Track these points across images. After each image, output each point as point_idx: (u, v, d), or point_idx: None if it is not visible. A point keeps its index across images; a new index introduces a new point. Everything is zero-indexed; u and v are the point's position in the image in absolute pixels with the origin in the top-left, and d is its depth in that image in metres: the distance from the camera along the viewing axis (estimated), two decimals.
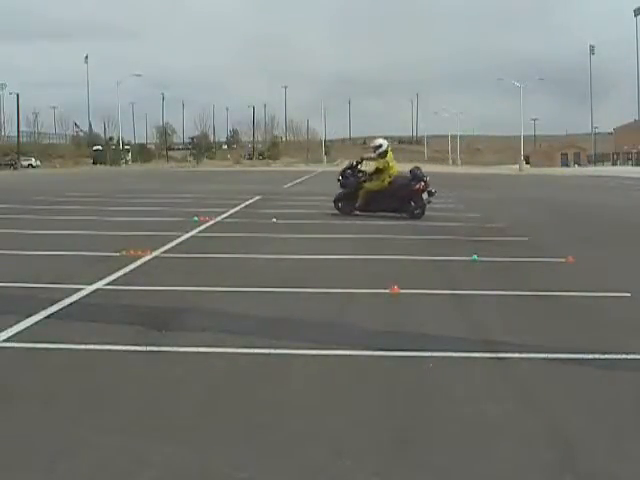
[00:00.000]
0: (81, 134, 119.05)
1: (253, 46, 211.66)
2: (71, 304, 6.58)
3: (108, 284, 7.62)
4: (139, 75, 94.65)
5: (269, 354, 5.08)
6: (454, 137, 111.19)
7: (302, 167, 77.77)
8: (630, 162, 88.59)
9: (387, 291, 7.25)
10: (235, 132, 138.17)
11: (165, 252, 10.12)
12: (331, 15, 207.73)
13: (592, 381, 4.62)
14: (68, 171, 64.80)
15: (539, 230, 13.67)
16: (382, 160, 16.24)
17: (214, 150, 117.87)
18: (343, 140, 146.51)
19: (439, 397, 4.29)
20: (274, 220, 14.82)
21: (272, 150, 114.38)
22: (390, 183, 16.09)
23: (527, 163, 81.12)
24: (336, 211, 16.46)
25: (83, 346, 5.21)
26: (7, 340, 5.35)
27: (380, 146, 16.49)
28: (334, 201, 16.75)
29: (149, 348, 5.19)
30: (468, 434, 3.71)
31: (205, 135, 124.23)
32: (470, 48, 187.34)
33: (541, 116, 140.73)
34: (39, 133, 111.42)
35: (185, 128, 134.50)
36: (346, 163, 17.79)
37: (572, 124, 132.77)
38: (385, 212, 16.06)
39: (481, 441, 3.63)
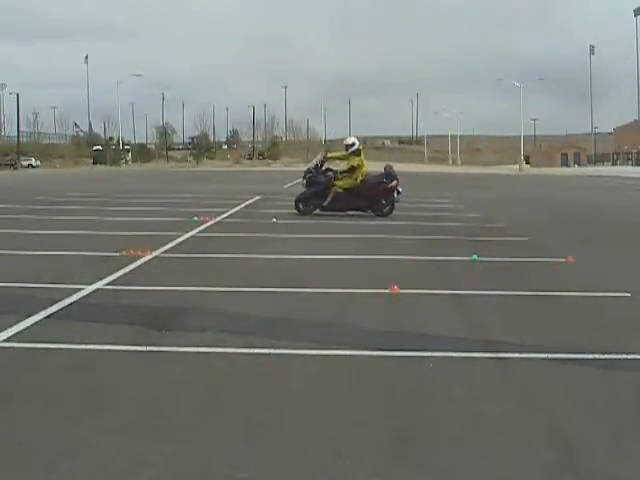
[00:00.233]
0: (81, 134, 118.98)
1: (253, 46, 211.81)
2: (71, 304, 6.58)
3: (108, 284, 7.62)
4: (139, 75, 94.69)
5: (269, 354, 5.08)
6: (454, 137, 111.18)
7: (302, 167, 77.56)
8: (630, 162, 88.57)
9: (387, 291, 7.25)
10: (235, 132, 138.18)
11: (165, 252, 10.12)
12: (331, 15, 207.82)
13: (592, 381, 4.62)
14: (68, 171, 64.79)
15: (539, 230, 13.67)
16: (357, 158, 16.23)
17: (214, 150, 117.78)
18: (343, 140, 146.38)
19: (439, 397, 4.28)
20: (274, 220, 14.82)
21: (272, 150, 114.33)
22: (362, 181, 16.08)
23: (527, 163, 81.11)
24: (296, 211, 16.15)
25: (83, 346, 5.21)
26: (7, 340, 5.35)
27: (353, 144, 16.50)
28: (295, 201, 16.43)
29: (149, 348, 5.19)
30: (468, 434, 3.71)
31: (205, 135, 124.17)
32: (470, 48, 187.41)
33: (541, 116, 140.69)
34: (39, 133, 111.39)
35: (185, 128, 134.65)
36: (312, 162, 17.34)
37: (572, 124, 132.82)
38: (353, 211, 15.96)
39: (481, 441, 3.63)
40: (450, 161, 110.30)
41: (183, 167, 79.53)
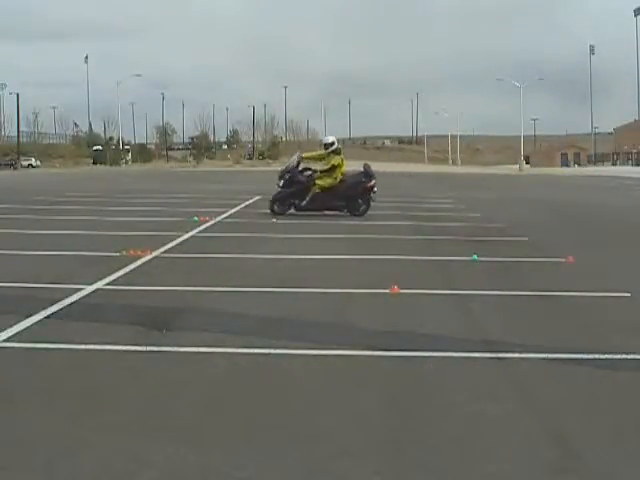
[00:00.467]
0: (81, 134, 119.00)
1: (253, 46, 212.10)
2: (71, 304, 6.58)
3: (108, 284, 7.62)
4: (139, 75, 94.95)
5: (269, 354, 5.08)
6: (454, 137, 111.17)
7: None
8: (630, 162, 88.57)
9: (387, 291, 7.25)
10: (235, 132, 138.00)
11: (165, 252, 10.13)
12: (331, 15, 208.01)
13: (592, 381, 4.62)
14: (68, 171, 64.79)
15: (539, 230, 13.67)
16: (338, 157, 16.17)
17: (214, 150, 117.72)
18: (343, 140, 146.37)
19: (439, 397, 4.28)
20: (274, 220, 14.82)
21: (272, 150, 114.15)
22: (341, 181, 16.01)
23: (527, 163, 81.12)
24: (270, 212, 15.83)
25: (83, 346, 5.21)
26: (7, 340, 5.35)
27: (333, 143, 16.45)
28: (271, 201, 16.14)
29: (149, 348, 5.19)
30: (468, 434, 3.71)
31: (205, 135, 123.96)
32: (470, 48, 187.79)
33: (541, 116, 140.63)
34: (39, 133, 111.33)
35: (185, 128, 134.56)
36: (287, 163, 17.03)
37: (572, 124, 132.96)
38: (330, 210, 15.83)
39: (481, 441, 3.63)
40: (450, 161, 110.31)
41: (183, 167, 79.52)
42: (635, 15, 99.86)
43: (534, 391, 4.41)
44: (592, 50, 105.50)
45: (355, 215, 15.76)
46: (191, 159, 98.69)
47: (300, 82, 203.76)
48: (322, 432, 3.72)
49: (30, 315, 6.01)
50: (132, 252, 9.64)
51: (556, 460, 3.41)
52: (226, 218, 15.47)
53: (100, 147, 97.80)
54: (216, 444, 3.56)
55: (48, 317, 6.07)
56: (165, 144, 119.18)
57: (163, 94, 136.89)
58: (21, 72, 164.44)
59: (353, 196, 15.96)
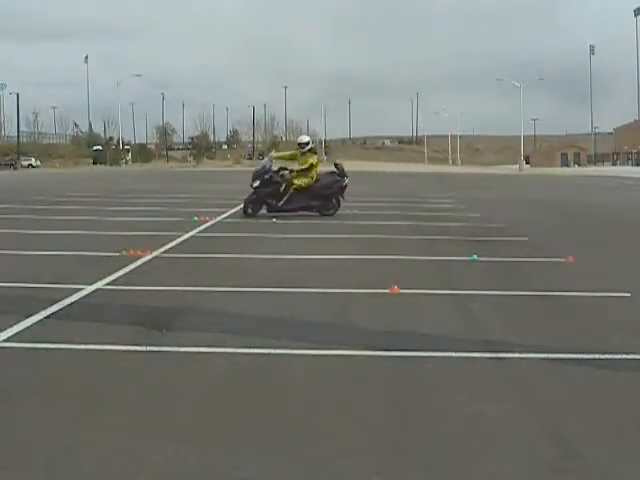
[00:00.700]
0: (81, 134, 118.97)
1: (253, 46, 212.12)
2: (71, 304, 6.58)
3: (108, 284, 7.62)
4: (139, 75, 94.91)
5: (269, 354, 5.08)
6: (454, 137, 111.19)
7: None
8: (630, 162, 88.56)
9: (387, 291, 7.25)
10: (235, 132, 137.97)
11: (165, 252, 10.13)
12: (331, 15, 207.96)
13: (592, 381, 4.62)
14: (68, 171, 64.78)
15: (539, 230, 13.67)
16: (315, 156, 16.14)
17: (214, 150, 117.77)
18: (343, 140, 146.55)
19: (439, 397, 4.28)
20: (274, 220, 14.82)
21: (272, 150, 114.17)
22: (317, 180, 15.92)
23: (527, 163, 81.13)
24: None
25: (83, 346, 5.21)
26: (7, 340, 5.35)
27: (308, 143, 16.42)
28: (245, 203, 15.84)
29: (149, 348, 5.19)
30: (468, 434, 3.71)
31: (205, 135, 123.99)
32: (470, 48, 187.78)
33: (541, 116, 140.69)
34: (39, 133, 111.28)
35: (185, 128, 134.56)
36: (260, 165, 16.77)
37: (572, 124, 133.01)
38: (303, 211, 15.66)
39: (481, 441, 3.63)
40: (450, 161, 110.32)
41: (183, 167, 79.51)
42: (635, 15, 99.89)
43: (534, 391, 4.41)
44: (592, 50, 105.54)
45: (325, 215, 15.61)
46: (191, 159, 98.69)
47: (300, 82, 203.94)
48: (322, 432, 3.72)
49: (30, 315, 6.01)
50: (132, 252, 9.63)
51: (556, 460, 3.41)
52: (226, 218, 15.47)
53: (100, 147, 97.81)
54: (216, 444, 3.56)
55: (48, 317, 6.07)
56: (165, 144, 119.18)
57: (163, 94, 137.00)
58: (21, 72, 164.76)
59: (328, 196, 15.88)
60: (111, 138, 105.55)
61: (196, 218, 14.63)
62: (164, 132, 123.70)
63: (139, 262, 9.08)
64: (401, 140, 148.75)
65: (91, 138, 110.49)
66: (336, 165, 16.51)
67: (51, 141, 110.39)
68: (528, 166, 79.42)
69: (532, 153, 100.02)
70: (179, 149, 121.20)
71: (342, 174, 16.04)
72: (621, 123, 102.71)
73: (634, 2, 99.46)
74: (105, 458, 3.39)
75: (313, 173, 15.92)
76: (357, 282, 7.87)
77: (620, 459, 3.42)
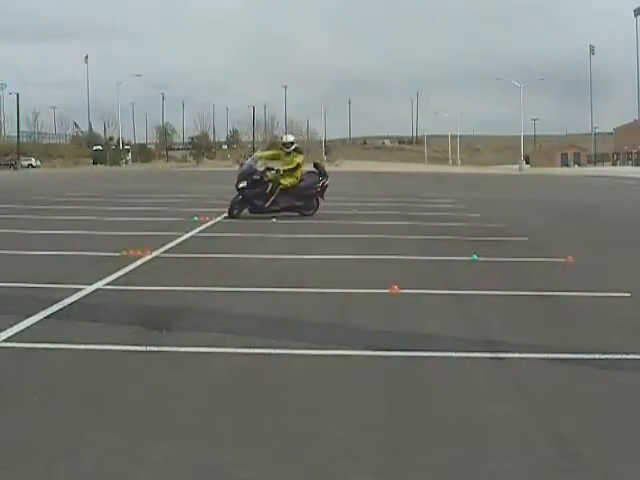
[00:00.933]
0: (81, 134, 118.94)
1: (253, 46, 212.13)
2: (71, 304, 6.58)
3: (108, 284, 7.62)
4: (139, 75, 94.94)
5: (269, 354, 5.08)
6: (454, 137, 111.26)
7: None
8: (630, 162, 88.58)
9: (387, 291, 7.25)
10: (235, 132, 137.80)
11: (165, 252, 10.13)
12: (331, 15, 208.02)
13: (592, 381, 4.62)
14: (68, 171, 64.79)
15: (539, 230, 13.67)
16: (301, 155, 16.05)
17: (214, 150, 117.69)
18: (343, 140, 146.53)
19: (439, 397, 4.28)
20: (274, 220, 14.83)
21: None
22: (301, 180, 15.81)
23: (527, 163, 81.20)
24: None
25: (83, 346, 5.21)
26: (7, 340, 5.35)
27: (293, 142, 16.31)
28: (231, 204, 15.45)
29: (149, 348, 5.19)
30: (468, 434, 3.71)
31: (205, 135, 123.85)
32: (470, 48, 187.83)
33: (541, 116, 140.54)
34: (39, 133, 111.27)
35: (185, 128, 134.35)
36: (245, 166, 16.41)
37: (572, 124, 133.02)
38: (286, 212, 15.51)
39: (481, 441, 3.63)
40: (450, 161, 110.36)
41: (183, 167, 79.57)
42: (635, 15, 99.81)
43: (534, 391, 4.41)
44: (592, 50, 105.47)
45: (305, 215, 15.53)
46: (191, 159, 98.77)
47: (300, 82, 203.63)
48: (322, 432, 3.72)
49: (30, 315, 6.01)
50: (132, 252, 9.64)
51: (556, 460, 3.41)
52: (226, 218, 15.46)
53: (100, 147, 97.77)
54: (216, 444, 3.56)
55: (48, 317, 6.07)
56: (165, 144, 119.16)
57: (163, 94, 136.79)
58: (21, 72, 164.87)
59: (311, 196, 15.82)
60: (111, 138, 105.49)
61: (196, 218, 14.64)
62: (164, 132, 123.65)
63: (139, 262, 9.08)
64: (401, 140, 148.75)
65: (91, 138, 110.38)
66: (316, 165, 16.45)
67: (51, 141, 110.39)
68: (528, 166, 79.47)
69: (532, 153, 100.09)
70: (179, 149, 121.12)
71: (323, 174, 15.94)
72: (621, 123, 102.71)
73: (634, 2, 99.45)
74: (105, 458, 3.39)
75: (299, 173, 15.81)
76: (357, 282, 7.87)
77: (620, 459, 3.42)
